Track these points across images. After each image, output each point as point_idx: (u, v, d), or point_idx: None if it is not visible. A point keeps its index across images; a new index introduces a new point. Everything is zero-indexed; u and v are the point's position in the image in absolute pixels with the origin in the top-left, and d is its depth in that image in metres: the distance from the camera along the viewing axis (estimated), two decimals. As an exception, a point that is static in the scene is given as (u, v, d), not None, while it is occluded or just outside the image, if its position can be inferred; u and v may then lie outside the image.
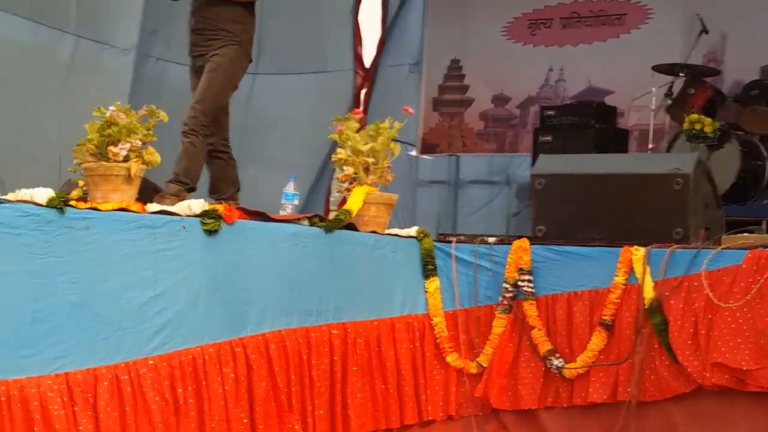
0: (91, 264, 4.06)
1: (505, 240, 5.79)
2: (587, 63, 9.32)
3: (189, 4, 6.07)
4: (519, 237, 5.73)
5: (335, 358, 5.15)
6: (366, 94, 10.03)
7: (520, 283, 5.53)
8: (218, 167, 5.93)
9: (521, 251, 5.57)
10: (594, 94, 9.15)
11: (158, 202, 4.76)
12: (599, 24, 9.27)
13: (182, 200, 4.84)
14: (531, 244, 5.61)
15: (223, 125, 5.99)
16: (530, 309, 5.50)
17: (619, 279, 5.30)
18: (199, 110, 5.68)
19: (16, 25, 8.13)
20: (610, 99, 8.99)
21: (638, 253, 5.27)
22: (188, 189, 5.56)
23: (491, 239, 5.79)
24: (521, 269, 5.54)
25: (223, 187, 5.93)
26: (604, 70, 9.25)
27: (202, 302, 4.52)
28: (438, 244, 5.80)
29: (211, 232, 4.56)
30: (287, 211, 5.39)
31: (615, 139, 8.56)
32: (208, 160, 5.93)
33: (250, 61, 6.05)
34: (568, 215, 5.77)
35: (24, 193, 4.06)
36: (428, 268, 5.71)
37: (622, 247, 5.34)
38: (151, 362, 4.22)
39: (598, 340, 5.31)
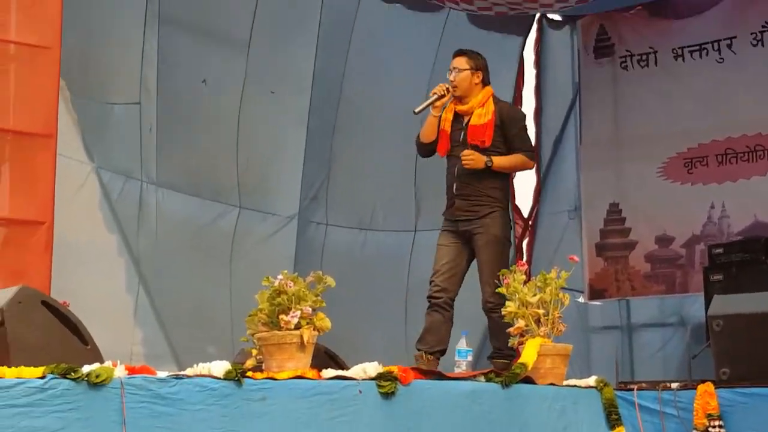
0: (265, 435, 4.04)
1: (689, 385, 5.59)
2: (749, 198, 9.11)
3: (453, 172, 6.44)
4: (702, 381, 5.53)
5: None
6: (528, 244, 9.98)
7: (711, 429, 5.30)
8: (435, 321, 6.28)
9: (707, 396, 5.37)
10: (760, 229, 8.89)
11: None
12: (757, 158, 9.11)
13: None
14: (716, 387, 5.41)
15: (458, 286, 6.40)
16: (725, 455, 5.28)
17: (813, 418, 5.08)
18: (496, 285, 5.80)
19: (183, 202, 8.41)
20: (779, 232, 8.76)
21: (828, 390, 5.06)
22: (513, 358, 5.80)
23: (674, 385, 5.60)
24: (710, 415, 5.32)
25: (431, 341, 6.20)
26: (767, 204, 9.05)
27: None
28: (619, 393, 5.64)
29: (387, 395, 4.52)
30: (462, 368, 5.33)
31: (788, 274, 8.28)
32: (430, 312, 6.37)
33: (514, 223, 6.44)
34: (750, 355, 5.55)
35: (202, 368, 4.09)
36: (613, 418, 5.55)
37: (811, 385, 5.13)
38: None
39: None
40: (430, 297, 6.35)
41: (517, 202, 9.97)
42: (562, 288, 5.61)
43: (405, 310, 9.34)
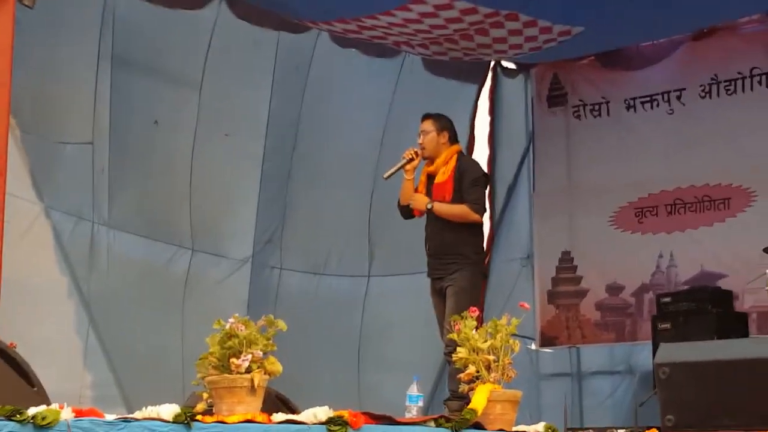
0: (214, 479, 4.00)
1: (635, 430, 5.63)
2: (697, 248, 9.25)
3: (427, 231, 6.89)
4: (648, 428, 5.58)
5: None
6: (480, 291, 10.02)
7: (656, 477, 5.36)
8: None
9: (654, 442, 5.42)
10: (707, 279, 9.04)
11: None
12: (704, 209, 9.23)
13: None
14: (662, 434, 5.46)
15: None
16: (670, 504, 5.31)
17: (758, 467, 5.12)
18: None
19: (135, 244, 8.35)
20: (724, 282, 8.87)
21: (774, 437, 5.11)
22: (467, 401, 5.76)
23: (621, 431, 5.64)
24: (655, 461, 5.37)
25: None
26: (714, 254, 9.16)
27: None
28: (568, 440, 5.68)
29: (336, 440, 4.49)
30: (412, 413, 5.32)
31: (735, 323, 8.37)
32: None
33: (485, 277, 6.55)
34: (696, 403, 5.60)
35: (150, 411, 4.06)
36: (560, 465, 5.58)
37: (756, 432, 5.16)
38: None
39: None
40: (447, 354, 6.41)
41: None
42: (513, 335, 5.62)
43: (358, 354, 9.34)
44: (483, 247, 6.97)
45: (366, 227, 9.55)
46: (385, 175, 6.94)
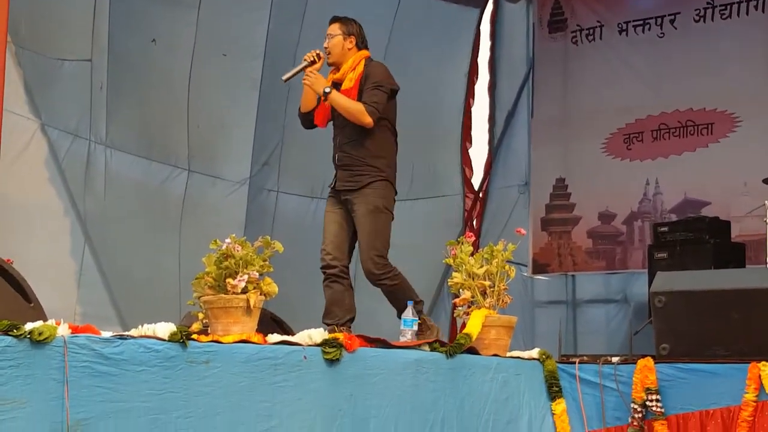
0: (207, 397, 4.02)
1: (629, 359, 5.66)
2: (680, 174, 9.24)
3: (332, 139, 6.26)
4: (643, 356, 5.60)
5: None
6: (477, 217, 10.03)
7: (648, 403, 5.38)
8: (336, 292, 5.98)
9: (646, 370, 5.44)
10: (691, 206, 9.05)
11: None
12: (687, 134, 9.21)
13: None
14: (656, 362, 5.48)
15: (348, 254, 6.13)
16: (661, 429, 5.34)
17: (750, 396, 5.15)
18: (375, 256, 5.89)
19: (132, 164, 8.33)
20: (707, 210, 8.87)
21: (766, 368, 5.14)
22: (417, 302, 5.81)
23: (615, 359, 5.67)
24: (648, 389, 5.40)
25: (339, 313, 5.96)
26: (697, 181, 9.15)
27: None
28: (561, 366, 5.71)
29: (332, 361, 4.52)
30: (407, 337, 5.34)
31: (731, 253, 8.38)
32: (327, 284, 6.04)
33: (396, 193, 6.21)
34: (691, 332, 5.63)
35: (146, 329, 4.07)
36: (553, 390, 5.61)
37: (749, 363, 5.21)
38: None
39: (735, 459, 5.14)
40: (323, 268, 6.10)
41: (469, 177, 10.05)
42: (509, 261, 5.64)
43: (354, 278, 9.34)
44: (395, 164, 6.20)
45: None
46: (284, 78, 6.18)
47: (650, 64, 9.49)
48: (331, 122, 6.29)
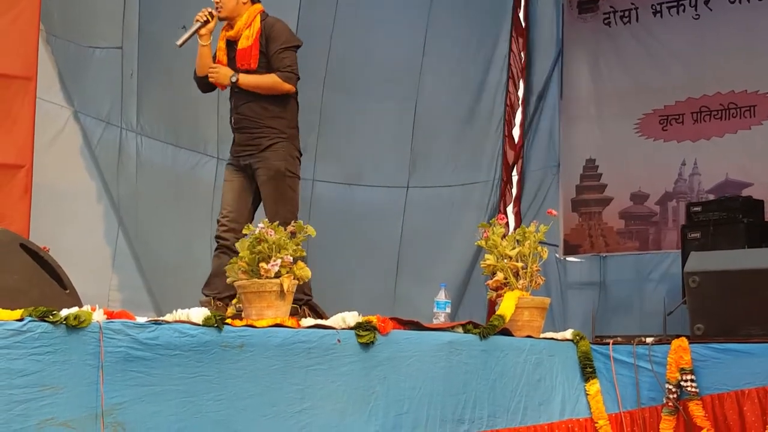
0: (239, 380, 4.04)
1: (664, 340, 5.64)
2: (721, 156, 9.19)
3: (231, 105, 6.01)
4: (677, 336, 5.58)
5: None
6: (516, 200, 10.01)
7: (683, 384, 5.37)
8: (223, 264, 5.30)
9: (681, 351, 5.43)
10: (732, 187, 8.99)
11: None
12: (730, 116, 9.15)
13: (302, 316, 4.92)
14: (690, 342, 5.46)
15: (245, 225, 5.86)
16: (696, 409, 5.33)
17: (786, 375, 5.14)
18: (282, 223, 5.51)
19: (160, 149, 8.37)
20: (749, 191, 8.81)
21: (802, 347, 5.13)
22: (304, 303, 5.62)
23: (649, 339, 5.66)
24: (683, 369, 5.38)
25: (220, 286, 5.71)
26: (739, 163, 9.10)
27: (350, 414, 4.45)
28: (595, 347, 5.70)
29: (365, 345, 4.53)
30: (440, 319, 5.35)
31: (765, 233, 8.33)
32: (217, 254, 5.85)
33: (300, 155, 5.96)
34: (725, 312, 5.61)
35: (181, 314, 4.09)
36: (587, 371, 5.61)
37: (785, 342, 5.17)
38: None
39: (773, 439, 5.12)
40: (217, 237, 5.88)
41: (509, 160, 10.02)
42: (541, 242, 5.63)
43: (396, 263, 9.36)
44: (297, 122, 5.91)
45: (409, 138, 9.45)
46: (178, 43, 5.87)
47: (687, 45, 9.42)
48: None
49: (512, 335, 5.38)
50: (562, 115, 10.10)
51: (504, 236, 5.63)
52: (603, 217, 9.80)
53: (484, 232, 5.65)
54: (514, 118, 10.13)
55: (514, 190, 10.04)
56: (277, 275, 4.53)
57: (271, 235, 4.58)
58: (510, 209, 9.94)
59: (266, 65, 5.85)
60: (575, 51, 10.10)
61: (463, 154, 9.84)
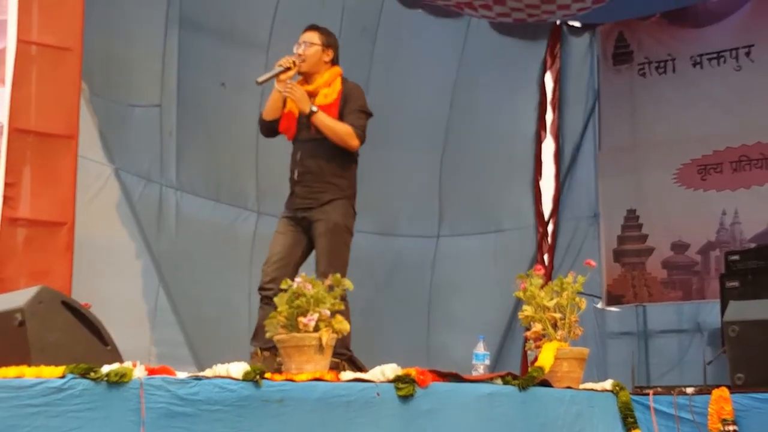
0: (278, 437, 4.06)
1: (704, 390, 5.60)
2: (762, 204, 9.16)
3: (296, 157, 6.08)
4: (717, 386, 5.54)
5: None
6: (549, 250, 9.99)
7: (725, 434, 5.34)
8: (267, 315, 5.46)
9: (722, 401, 5.37)
10: (773, 236, 8.99)
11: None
12: (770, 166, 9.17)
13: (342, 370, 4.92)
14: (731, 392, 5.41)
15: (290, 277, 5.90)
16: (739, 460, 5.29)
17: (829, 426, 5.09)
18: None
19: (199, 205, 8.44)
20: (792, 240, 8.81)
21: (844, 398, 5.08)
22: (347, 359, 5.64)
23: (689, 390, 5.61)
24: (724, 420, 5.33)
25: (264, 336, 5.64)
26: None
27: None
28: (635, 397, 5.66)
29: (405, 397, 4.53)
30: (479, 371, 5.35)
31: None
32: (262, 306, 5.88)
33: (355, 214, 6.01)
34: (766, 361, 5.55)
35: (220, 369, 4.12)
36: (628, 422, 5.56)
37: (829, 391, 5.14)
38: None
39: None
40: (261, 288, 5.95)
41: (540, 210, 10.02)
42: (579, 293, 5.63)
43: (428, 315, 9.36)
44: (356, 185, 5.99)
45: (437, 188, 9.50)
46: (259, 80, 5.94)
47: (727, 95, 9.47)
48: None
49: (552, 386, 5.36)
50: (600, 165, 10.11)
51: (542, 287, 5.63)
52: (646, 267, 9.77)
53: (522, 282, 5.66)
54: (540, 170, 10.13)
55: (547, 240, 10.02)
56: (316, 329, 4.56)
57: (308, 289, 4.61)
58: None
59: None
60: (611, 102, 10.14)
61: (497, 203, 9.86)
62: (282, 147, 8.81)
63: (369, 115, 6.03)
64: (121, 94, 7.87)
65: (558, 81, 10.22)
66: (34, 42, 5.73)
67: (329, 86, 6.00)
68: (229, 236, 8.65)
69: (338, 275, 4.79)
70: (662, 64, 9.84)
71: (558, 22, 10.10)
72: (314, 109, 5.86)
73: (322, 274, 5.53)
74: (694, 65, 9.64)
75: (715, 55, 9.53)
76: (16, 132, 5.57)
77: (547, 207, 10.12)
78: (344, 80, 6.07)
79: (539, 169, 10.09)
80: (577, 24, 10.25)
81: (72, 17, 5.84)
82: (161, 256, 8.05)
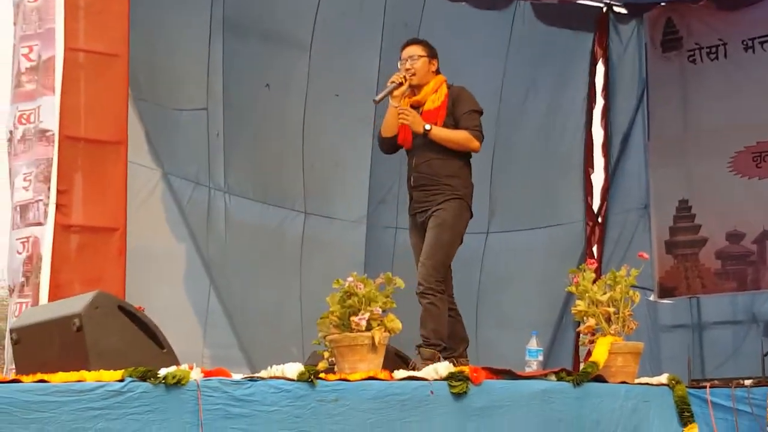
0: (336, 436, 4.07)
1: (762, 381, 5.54)
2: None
3: (405, 163, 6.31)
4: (776, 377, 5.49)
5: None
6: (598, 242, 9.92)
7: (785, 426, 5.28)
8: (449, 325, 5.89)
9: (781, 392, 5.33)
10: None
11: (414, 369, 4.83)
12: (828, 150, 9.03)
13: (438, 362, 4.90)
14: (790, 383, 5.37)
15: (449, 282, 6.09)
16: (800, 452, 5.23)
17: None
18: (431, 266, 5.83)
19: (248, 207, 8.47)
20: None
21: None
22: (441, 350, 5.60)
23: (747, 382, 5.55)
24: (784, 411, 5.29)
25: (454, 345, 5.91)
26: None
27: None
28: (691, 391, 5.61)
29: (458, 395, 4.53)
30: (533, 367, 5.32)
31: None
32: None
33: (471, 215, 6.15)
34: (824, 351, 5.50)
35: (275, 370, 4.14)
36: (685, 416, 5.52)
37: None
38: None
39: None
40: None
41: (591, 203, 9.95)
42: (633, 286, 5.59)
43: (476, 311, 9.31)
44: (472, 183, 6.20)
45: (487, 184, 9.44)
46: (376, 99, 6.24)
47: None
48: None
49: (606, 381, 5.32)
50: (650, 156, 9.99)
51: (594, 281, 5.60)
52: (699, 258, 9.64)
53: (574, 277, 5.63)
54: (593, 160, 10.05)
55: (597, 233, 9.94)
56: (368, 328, 4.56)
57: (360, 288, 4.62)
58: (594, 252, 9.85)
59: (451, 126, 6.13)
60: (661, 90, 9.97)
61: (546, 196, 9.80)
62: (326, 144, 8.88)
63: (480, 112, 6.24)
64: (167, 99, 7.91)
65: (607, 70, 10.13)
66: (82, 49, 5.76)
67: (436, 92, 6.22)
68: (278, 237, 8.67)
69: (389, 273, 4.80)
70: (713, 49, 9.67)
71: (604, 10, 10.00)
72: (428, 127, 6.07)
73: (420, 264, 5.89)
74: (746, 49, 9.48)
75: (767, 38, 9.38)
76: (66, 140, 5.61)
77: (596, 199, 10.03)
78: (449, 85, 6.29)
79: (590, 161, 9.99)
80: (623, 11, 10.13)
81: (118, 23, 5.88)
82: (211, 258, 8.09)
